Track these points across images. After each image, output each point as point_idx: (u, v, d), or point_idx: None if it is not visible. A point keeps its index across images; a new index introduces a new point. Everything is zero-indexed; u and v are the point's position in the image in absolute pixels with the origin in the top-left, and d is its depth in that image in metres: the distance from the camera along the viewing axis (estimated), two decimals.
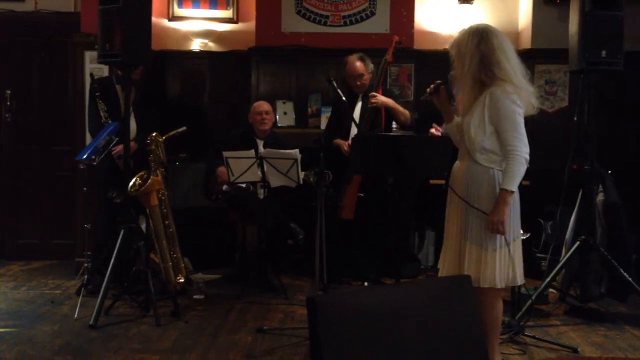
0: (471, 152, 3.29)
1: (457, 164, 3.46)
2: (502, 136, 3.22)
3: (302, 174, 4.75)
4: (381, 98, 5.16)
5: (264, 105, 5.51)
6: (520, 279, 3.35)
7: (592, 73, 4.59)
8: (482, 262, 3.26)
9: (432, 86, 3.44)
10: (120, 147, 4.88)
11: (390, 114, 5.25)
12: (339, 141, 5.35)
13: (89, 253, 4.89)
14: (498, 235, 3.24)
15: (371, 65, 5.31)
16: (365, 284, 5.37)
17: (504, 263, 3.28)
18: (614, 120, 5.92)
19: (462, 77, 3.30)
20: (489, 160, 3.27)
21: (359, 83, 5.32)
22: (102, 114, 5.03)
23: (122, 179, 4.73)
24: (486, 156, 3.27)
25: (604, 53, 4.46)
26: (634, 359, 3.88)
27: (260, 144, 5.41)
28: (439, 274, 3.48)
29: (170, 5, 6.32)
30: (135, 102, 5.08)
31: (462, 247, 3.32)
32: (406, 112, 5.16)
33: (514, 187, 3.19)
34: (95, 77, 5.21)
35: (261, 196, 5.27)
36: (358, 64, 5.30)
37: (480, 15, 6.28)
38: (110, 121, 4.97)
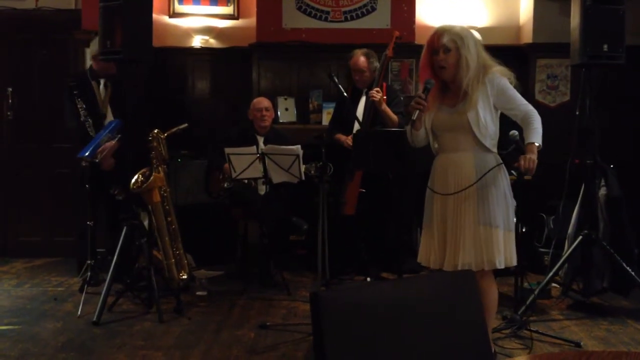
0: (482, 138, 3.35)
1: (449, 158, 3.44)
2: (514, 107, 3.39)
3: (303, 167, 4.75)
4: (380, 97, 5.13)
5: (263, 102, 5.50)
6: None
7: (593, 67, 4.58)
8: (507, 244, 3.39)
9: (419, 100, 3.38)
10: (106, 145, 4.87)
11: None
12: (340, 136, 5.35)
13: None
14: (512, 218, 3.41)
15: (375, 64, 5.29)
16: (367, 279, 5.37)
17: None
18: (616, 114, 5.91)
19: (468, 72, 3.32)
20: (494, 145, 3.43)
21: (357, 78, 5.33)
22: (81, 112, 5.01)
23: (122, 176, 4.73)
24: (493, 141, 3.42)
25: (605, 47, 4.45)
26: (637, 353, 3.88)
27: (261, 140, 5.41)
28: (436, 267, 3.47)
29: (171, 2, 6.31)
30: (112, 97, 5.08)
31: (485, 233, 3.34)
32: (394, 118, 5.15)
33: (540, 142, 3.35)
34: (72, 73, 5.19)
35: (262, 192, 5.28)
36: (362, 59, 5.30)
37: (481, 9, 6.27)
38: (89, 119, 4.97)
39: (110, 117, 5.03)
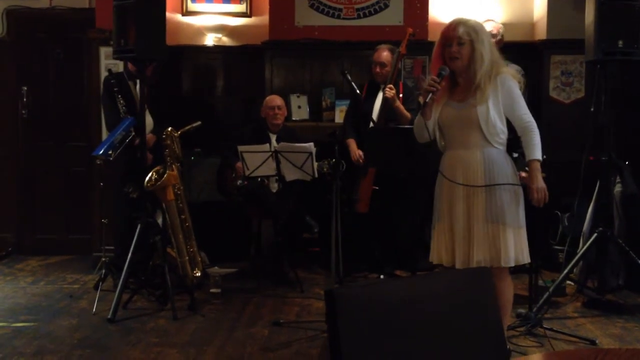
0: (489, 136, 3.34)
1: (457, 154, 3.42)
2: (516, 116, 3.39)
3: (315, 165, 4.76)
4: (393, 94, 5.15)
5: (276, 100, 5.51)
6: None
7: (608, 63, 4.54)
8: (518, 241, 3.38)
9: (432, 83, 3.36)
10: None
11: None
12: (350, 143, 5.34)
13: (107, 247, 4.93)
14: (522, 214, 3.39)
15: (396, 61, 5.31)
16: (381, 277, 5.36)
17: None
18: (631, 110, 5.85)
19: (482, 66, 3.31)
20: (501, 143, 3.41)
21: (378, 70, 5.34)
22: (121, 109, 5.04)
23: (139, 173, 4.75)
24: (501, 140, 3.40)
25: (620, 43, 4.41)
26: None
27: (273, 138, 5.42)
28: (448, 264, 3.46)
29: (184, 0, 6.32)
30: (148, 98, 5.09)
31: (493, 231, 3.32)
32: (407, 115, 5.15)
33: (540, 156, 3.39)
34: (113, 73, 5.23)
35: (274, 190, 5.29)
36: (385, 53, 5.32)
37: (494, 5, 6.23)
38: (128, 116, 4.99)
39: (149, 117, 5.03)
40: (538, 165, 3.38)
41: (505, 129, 3.41)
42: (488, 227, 3.32)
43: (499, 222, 3.32)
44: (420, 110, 3.46)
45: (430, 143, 3.55)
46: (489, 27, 4.94)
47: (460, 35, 3.33)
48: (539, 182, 3.37)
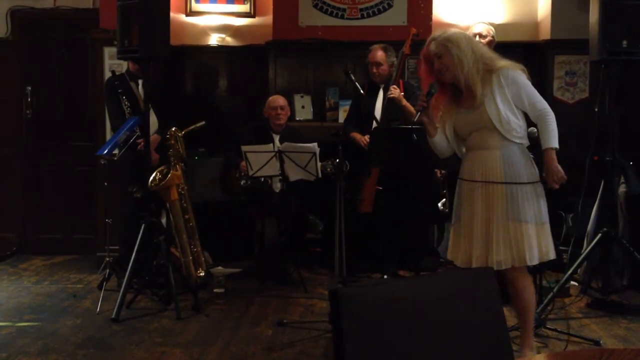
0: (506, 133, 3.34)
1: (476, 154, 3.42)
2: (529, 104, 3.37)
3: (319, 165, 4.76)
4: (398, 93, 5.17)
5: (279, 100, 5.52)
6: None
7: (613, 63, 4.53)
8: (541, 237, 3.35)
9: (420, 103, 3.44)
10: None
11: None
12: (355, 135, 5.35)
13: (111, 247, 4.94)
14: (545, 209, 3.37)
15: (393, 59, 5.34)
16: (384, 277, 5.36)
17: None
18: (636, 110, 5.83)
19: (463, 68, 3.33)
20: (519, 137, 3.39)
21: (375, 70, 5.35)
22: (126, 110, 5.04)
23: (144, 173, 4.75)
24: (519, 134, 3.39)
25: (625, 43, 4.41)
26: None
27: (276, 138, 5.42)
28: (463, 265, 3.45)
29: (187, 1, 6.33)
30: (150, 98, 5.10)
31: (514, 230, 3.31)
32: (414, 112, 5.16)
33: (557, 143, 3.34)
34: (116, 74, 5.24)
35: (277, 190, 5.29)
36: (379, 52, 5.33)
37: (498, 6, 6.22)
38: (133, 117, 4.99)
39: (153, 116, 5.03)
40: (554, 155, 3.33)
41: (521, 122, 3.40)
42: (509, 225, 3.31)
43: (520, 220, 3.30)
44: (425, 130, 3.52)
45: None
46: (480, 28, 4.96)
47: (435, 51, 3.37)
48: (556, 172, 3.32)
